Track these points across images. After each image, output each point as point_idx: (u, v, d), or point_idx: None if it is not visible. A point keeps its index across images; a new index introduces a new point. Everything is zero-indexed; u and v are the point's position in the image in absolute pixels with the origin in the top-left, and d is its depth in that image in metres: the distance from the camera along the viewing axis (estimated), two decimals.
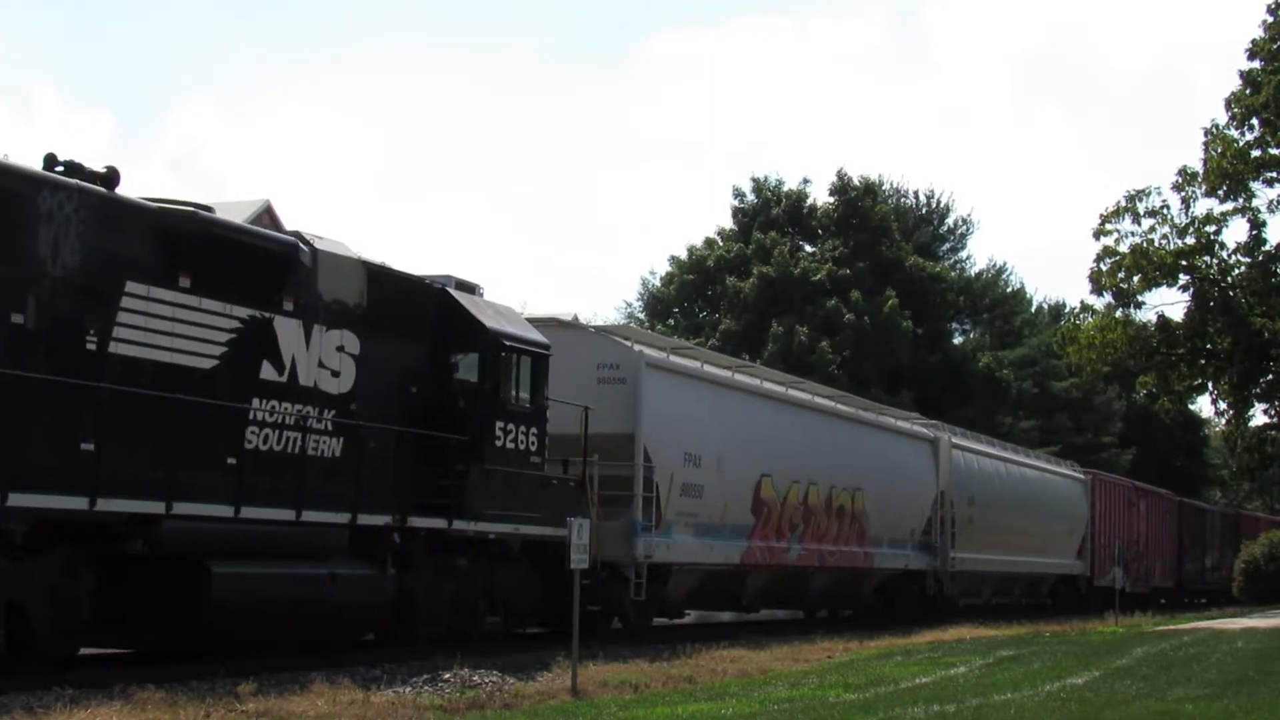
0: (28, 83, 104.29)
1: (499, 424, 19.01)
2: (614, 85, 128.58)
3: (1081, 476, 44.93)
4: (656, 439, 22.50)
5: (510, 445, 19.20)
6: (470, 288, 19.73)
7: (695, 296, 54.78)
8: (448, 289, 19.17)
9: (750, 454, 25.25)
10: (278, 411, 16.05)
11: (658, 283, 56.38)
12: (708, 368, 25.54)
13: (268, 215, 35.86)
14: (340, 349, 17.02)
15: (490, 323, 19.08)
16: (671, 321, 53.70)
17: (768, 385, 27.47)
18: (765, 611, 30.38)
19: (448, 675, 15.24)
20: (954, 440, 35.40)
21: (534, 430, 19.67)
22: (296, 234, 16.95)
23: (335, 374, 16.94)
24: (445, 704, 13.52)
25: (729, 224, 56.59)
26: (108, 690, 13.02)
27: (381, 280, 17.78)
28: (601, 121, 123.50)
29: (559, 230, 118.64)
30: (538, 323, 21.54)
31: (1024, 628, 29.16)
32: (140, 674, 14.09)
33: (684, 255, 55.34)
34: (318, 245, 16.82)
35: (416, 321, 18.48)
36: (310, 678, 14.39)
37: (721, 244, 54.93)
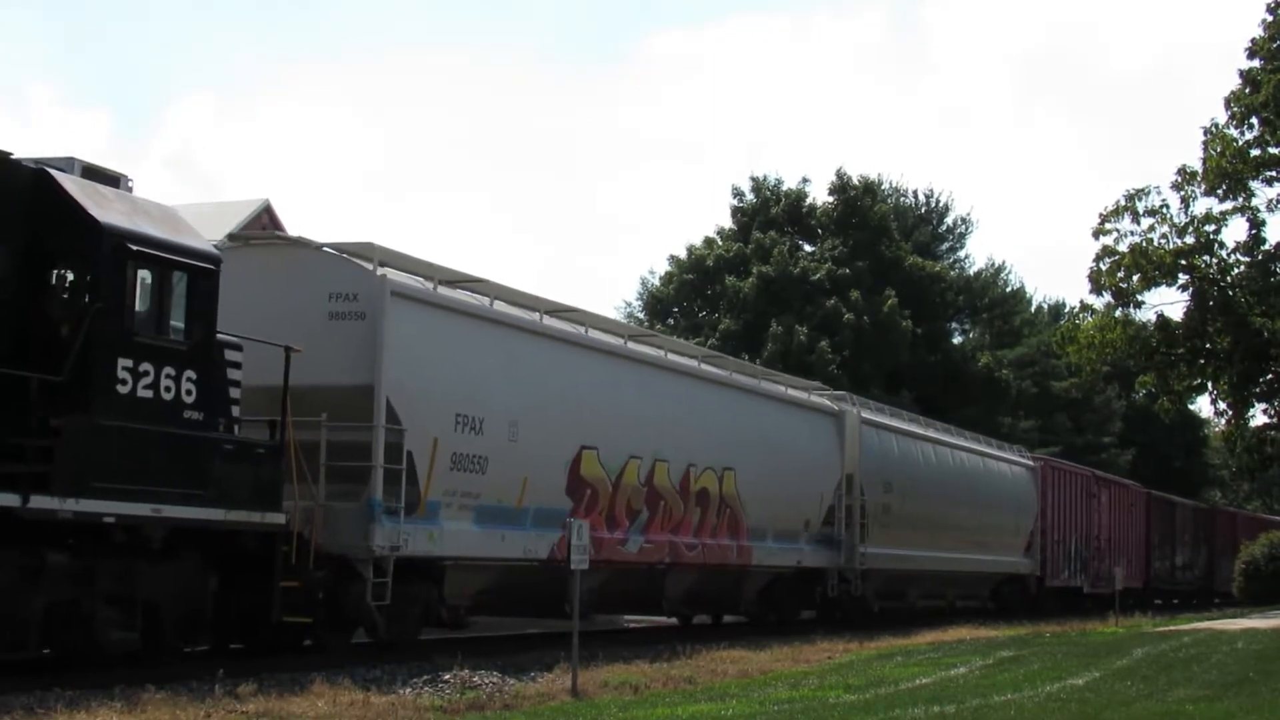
0: (24, 82, 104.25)
1: (123, 362, 13.78)
2: (613, 85, 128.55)
3: (1030, 463, 40.57)
4: (409, 393, 17.19)
5: (145, 393, 13.96)
6: (106, 176, 14.56)
7: (694, 296, 54.80)
8: (48, 170, 13.89)
9: (564, 420, 20.09)
10: None
11: (657, 282, 56.40)
12: (500, 305, 19.63)
13: (267, 215, 35.72)
14: None
15: (109, 218, 13.78)
16: (671, 321, 53.69)
17: (594, 335, 21.80)
18: (605, 618, 25.71)
19: (448, 676, 15.25)
20: (865, 415, 30.21)
21: (191, 374, 14.41)
22: None
23: None
24: (445, 705, 13.51)
25: (728, 223, 56.63)
26: (108, 690, 13.02)
27: None
28: (601, 121, 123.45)
29: (559, 230, 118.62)
30: (255, 240, 17.77)
31: (1024, 628, 29.14)
32: (140, 674, 14.09)
33: (683, 255, 55.37)
34: None
35: None
36: (310, 678, 14.40)
37: (721, 243, 54.93)
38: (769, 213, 55.13)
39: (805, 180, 56.50)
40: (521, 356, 19.61)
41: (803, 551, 27.22)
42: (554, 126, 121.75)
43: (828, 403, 29.40)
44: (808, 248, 55.05)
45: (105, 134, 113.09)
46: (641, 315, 55.55)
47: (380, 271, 17.35)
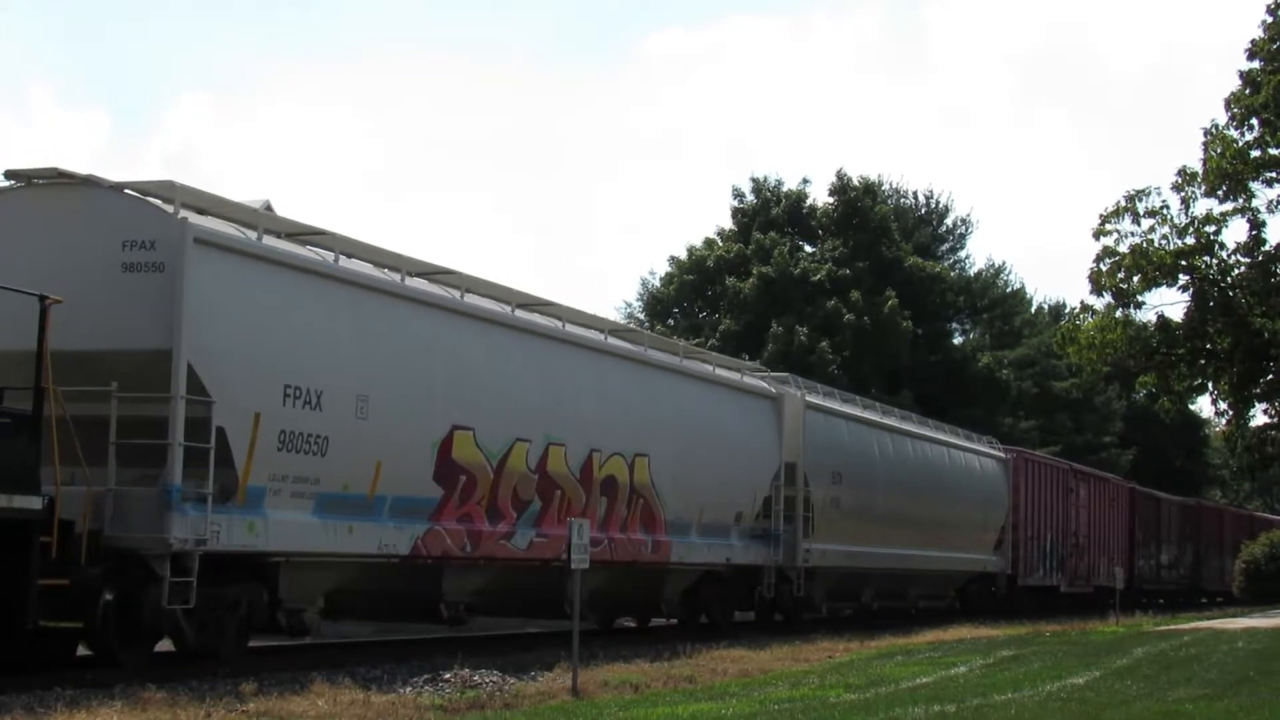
0: (23, 82, 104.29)
1: None
2: (613, 85, 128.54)
3: (1001, 454, 38.29)
4: (219, 360, 14.69)
5: None
6: None
7: (695, 297, 54.81)
8: None
9: (431, 396, 17.53)
10: None
11: (657, 283, 56.41)
12: (350, 262, 16.89)
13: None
14: None
15: None
16: (671, 322, 53.72)
17: (473, 300, 18.92)
18: (508, 622, 23.61)
19: (448, 675, 15.26)
20: (809, 399, 27.55)
21: None
22: None
23: None
24: (446, 704, 13.52)
25: (728, 224, 56.65)
26: (108, 690, 13.03)
27: None
28: (601, 121, 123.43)
29: (559, 230, 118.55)
30: (40, 180, 15.08)
31: (1024, 628, 29.13)
32: (141, 674, 14.11)
33: (683, 255, 55.39)
34: None
35: None
36: (311, 678, 14.40)
37: (721, 244, 54.95)
38: (769, 213, 55.15)
39: (806, 181, 56.61)
40: (375, 322, 16.88)
41: (733, 548, 24.73)
42: (554, 126, 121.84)
43: (764, 385, 26.75)
44: (808, 248, 55.07)
45: (104, 134, 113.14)
46: (642, 316, 55.56)
47: (182, 215, 14.70)
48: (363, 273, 17.01)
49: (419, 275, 18.20)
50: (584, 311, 21.91)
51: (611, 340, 22.20)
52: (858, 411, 30.64)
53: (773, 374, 28.38)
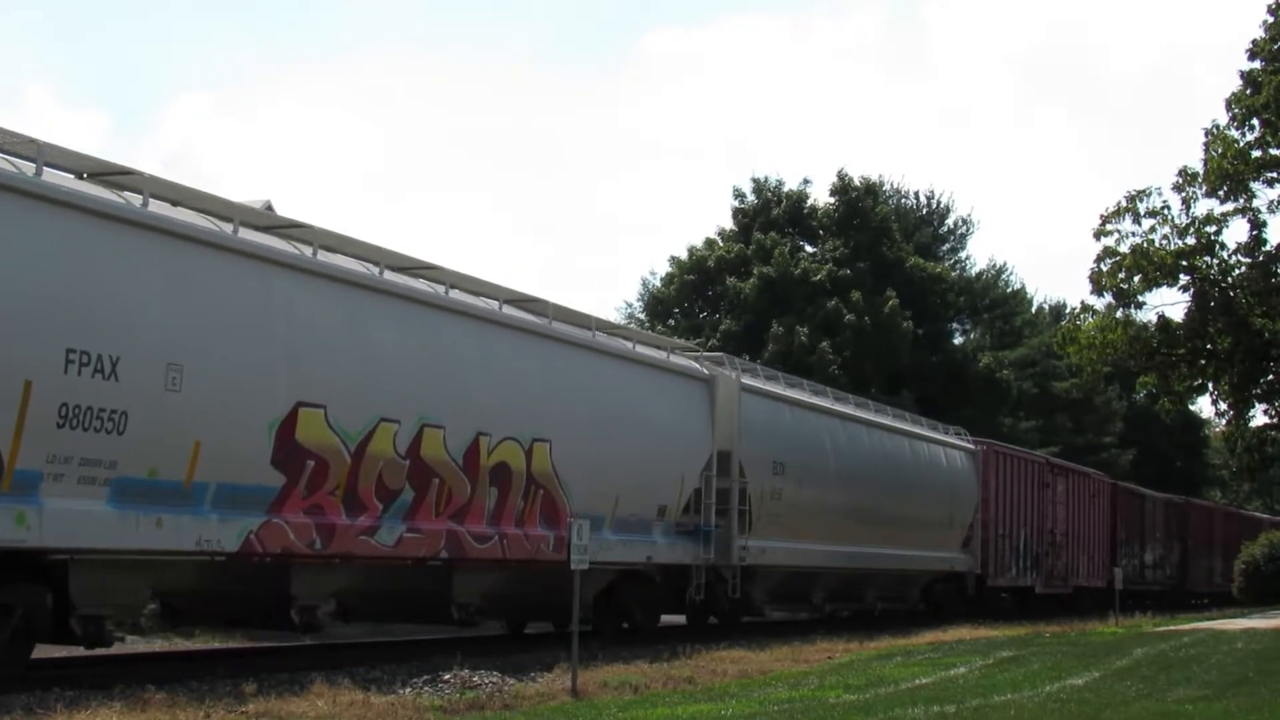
0: (22, 81, 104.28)
1: None
2: (613, 84, 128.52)
3: (970, 446, 36.09)
4: None
5: None
6: None
7: (695, 297, 54.81)
8: None
9: (267, 367, 15.15)
10: None
11: (658, 283, 56.40)
12: (162, 208, 14.60)
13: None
14: None
15: None
16: (672, 322, 53.73)
17: (327, 259, 16.39)
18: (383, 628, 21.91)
19: (448, 676, 15.27)
20: (746, 382, 25.24)
21: None
22: None
23: None
24: (445, 705, 13.52)
25: (729, 224, 56.64)
26: (108, 690, 13.04)
27: None
28: (601, 121, 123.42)
29: (559, 230, 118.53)
30: None
31: (1024, 628, 29.14)
32: (140, 674, 14.12)
33: (684, 255, 55.37)
34: None
35: None
36: (310, 678, 14.42)
37: (722, 244, 54.94)
38: (770, 213, 55.15)
39: (806, 181, 56.56)
40: (195, 278, 14.50)
41: (656, 545, 22.37)
42: (554, 126, 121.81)
43: (694, 365, 24.39)
44: (809, 248, 55.07)
45: (103, 133, 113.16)
46: (642, 316, 55.57)
47: None
48: (178, 220, 14.54)
49: (262, 229, 15.89)
50: (474, 277, 19.10)
51: (507, 310, 19.47)
52: (804, 396, 28.20)
53: (707, 354, 26.13)
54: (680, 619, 25.75)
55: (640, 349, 22.88)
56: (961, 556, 34.63)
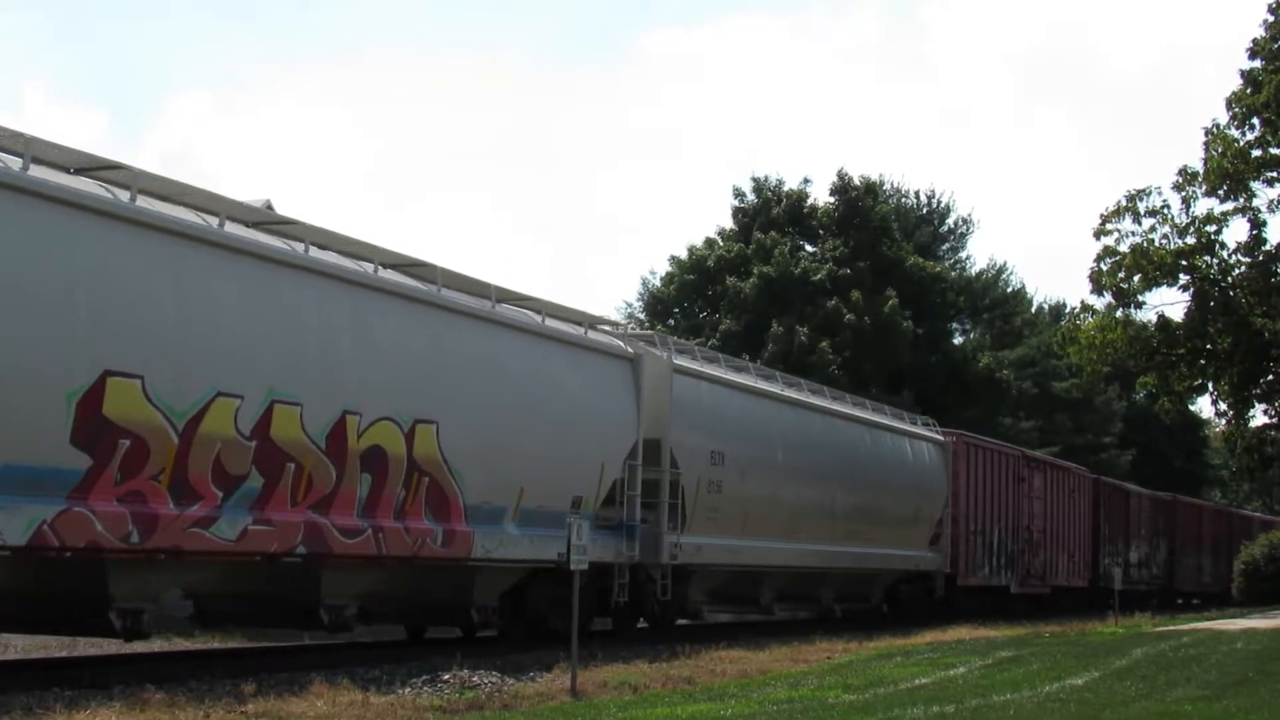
0: (19, 81, 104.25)
1: None
2: (613, 84, 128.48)
3: (939, 437, 34.00)
4: None
5: None
6: None
7: (695, 296, 54.81)
8: None
9: (67, 330, 13.15)
10: None
11: (658, 283, 56.41)
12: None
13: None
14: None
15: None
16: (672, 322, 53.73)
17: (148, 206, 14.30)
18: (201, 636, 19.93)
19: (447, 676, 15.26)
20: (679, 362, 23.15)
21: None
22: None
23: None
24: (444, 705, 13.53)
25: (729, 224, 56.66)
26: (107, 690, 13.04)
27: None
28: (601, 121, 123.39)
29: (559, 230, 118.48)
30: None
31: (1023, 628, 29.14)
32: (140, 674, 14.12)
33: (684, 255, 55.38)
34: None
35: None
36: (309, 678, 14.42)
37: (722, 244, 54.95)
38: (770, 213, 55.14)
39: (806, 181, 56.58)
40: None
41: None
42: (554, 126, 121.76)
43: (616, 342, 22.08)
44: (809, 248, 55.08)
45: (101, 133, 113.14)
46: (642, 315, 55.59)
47: None
48: None
49: (74, 171, 14.01)
50: (343, 235, 17.00)
51: (383, 274, 17.27)
52: (749, 380, 25.89)
53: (636, 333, 23.86)
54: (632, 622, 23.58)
55: (551, 323, 20.44)
56: (928, 555, 32.73)
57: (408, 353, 17.27)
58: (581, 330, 21.27)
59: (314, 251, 16.28)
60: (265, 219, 16.16)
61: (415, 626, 21.38)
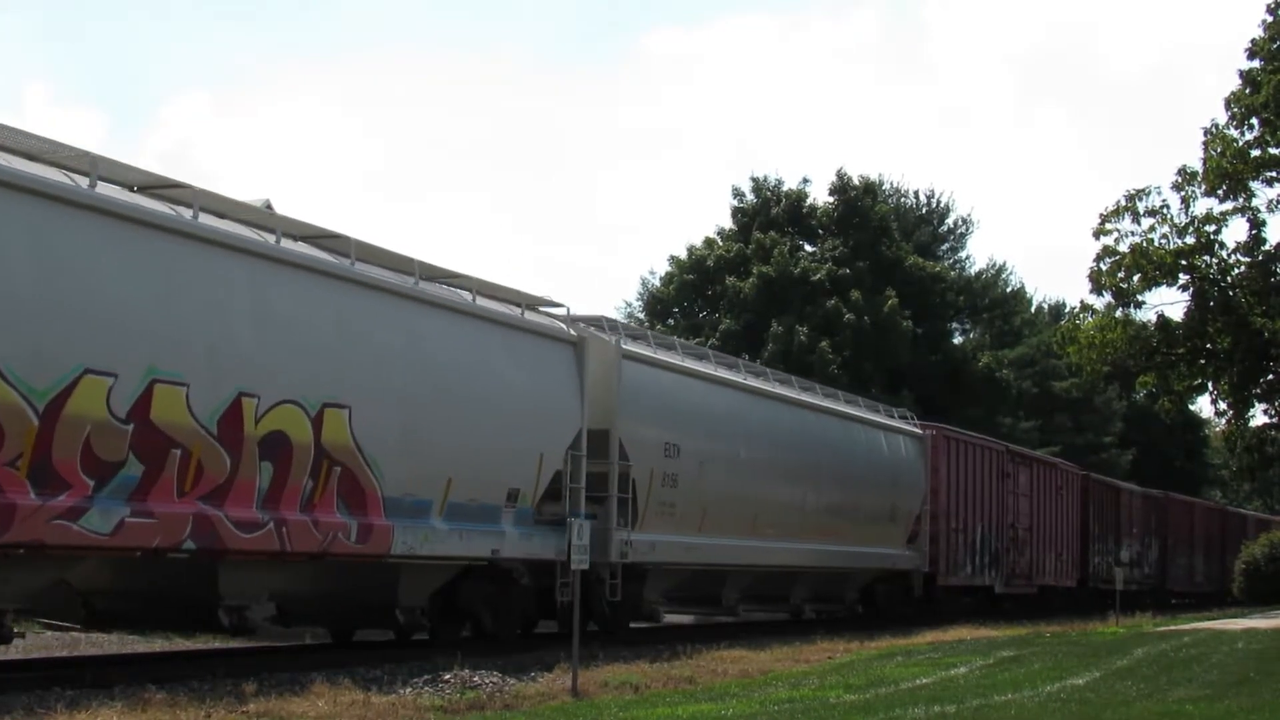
0: (19, 80, 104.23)
1: None
2: (613, 84, 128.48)
3: (917, 431, 32.73)
4: None
5: None
6: None
7: (695, 296, 54.83)
8: None
9: None
10: None
11: (657, 283, 56.43)
12: None
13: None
14: None
15: None
16: (671, 321, 53.75)
17: (4, 161, 13.04)
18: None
19: (448, 676, 15.24)
20: (628, 348, 21.77)
21: None
22: None
23: None
24: (446, 704, 13.52)
25: (728, 224, 56.69)
26: (108, 690, 13.03)
27: None
28: (600, 121, 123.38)
29: (559, 230, 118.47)
30: None
31: (1024, 628, 29.15)
32: (141, 674, 14.12)
33: (683, 255, 55.40)
34: None
35: None
36: (310, 678, 14.40)
37: (721, 244, 54.98)
38: (769, 213, 55.17)
39: (806, 180, 56.65)
40: None
41: (506, 536, 18.74)
42: (554, 126, 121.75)
43: (558, 325, 20.68)
44: (808, 248, 55.10)
45: (101, 132, 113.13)
46: (642, 315, 55.60)
47: None
48: None
49: None
50: (241, 202, 15.81)
51: (286, 245, 15.83)
52: (708, 369, 24.53)
53: (583, 316, 22.10)
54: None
55: (484, 302, 18.98)
56: (906, 553, 31.39)
57: (314, 331, 15.91)
58: (518, 311, 19.83)
59: (206, 218, 14.86)
60: (152, 182, 14.78)
61: (341, 630, 20.04)
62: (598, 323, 22.02)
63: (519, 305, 19.99)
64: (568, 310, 21.17)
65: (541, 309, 20.81)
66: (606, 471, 20.80)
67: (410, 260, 17.75)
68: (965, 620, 29.97)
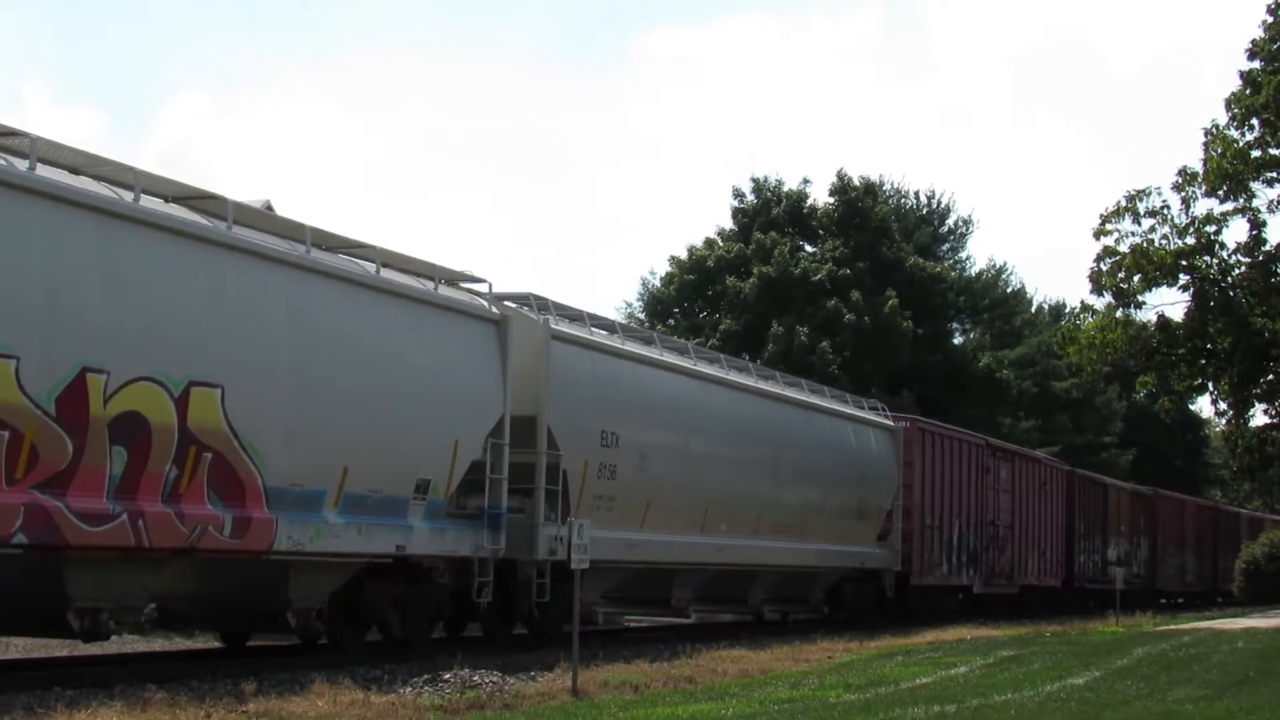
0: (19, 80, 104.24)
1: None
2: (613, 84, 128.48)
3: (889, 423, 30.88)
4: None
5: None
6: None
7: (695, 297, 54.83)
8: None
9: None
10: None
11: (658, 283, 56.43)
12: None
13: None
14: None
15: None
16: (671, 322, 53.76)
17: None
18: None
19: (448, 675, 15.24)
20: (557, 328, 20.01)
21: None
22: None
23: None
24: (446, 704, 13.51)
25: (729, 224, 56.70)
26: (108, 690, 13.04)
27: None
28: (601, 121, 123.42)
29: (559, 230, 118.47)
30: None
31: (1024, 628, 29.16)
32: (141, 674, 14.12)
33: (684, 255, 55.40)
34: None
35: None
36: (310, 678, 14.40)
37: (721, 244, 54.98)
38: (770, 213, 55.18)
39: (806, 181, 56.64)
40: None
41: (413, 532, 17.08)
42: (553, 126, 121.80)
43: (477, 301, 18.83)
44: (809, 248, 55.11)
45: (100, 132, 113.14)
46: (642, 315, 55.60)
47: None
48: None
49: None
50: (99, 156, 13.99)
51: (147, 203, 14.05)
52: (650, 352, 22.74)
53: (508, 294, 20.09)
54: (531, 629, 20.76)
55: (389, 274, 17.23)
56: (876, 551, 29.80)
57: (180, 301, 14.06)
58: (431, 286, 17.93)
59: (49, 171, 13.17)
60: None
61: (232, 633, 18.20)
62: (525, 300, 20.16)
63: (433, 279, 18.03)
64: (490, 286, 19.17)
65: (462, 285, 18.95)
66: (533, 461, 19.12)
67: (301, 226, 16.03)
68: (940, 622, 29.15)
